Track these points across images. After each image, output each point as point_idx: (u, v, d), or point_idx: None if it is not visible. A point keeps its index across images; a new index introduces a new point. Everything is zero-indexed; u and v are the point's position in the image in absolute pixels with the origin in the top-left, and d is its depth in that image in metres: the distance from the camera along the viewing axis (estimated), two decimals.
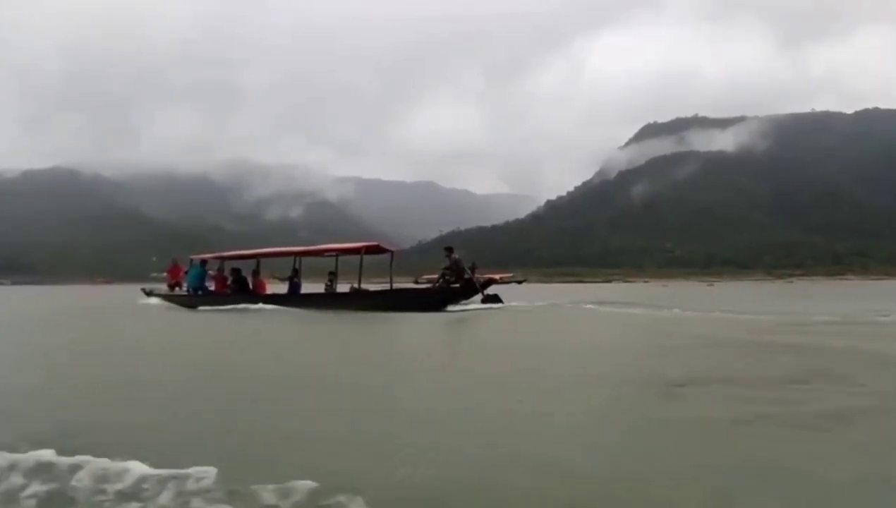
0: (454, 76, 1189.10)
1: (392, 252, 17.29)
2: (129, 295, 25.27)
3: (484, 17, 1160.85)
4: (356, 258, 16.84)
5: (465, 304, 15.02)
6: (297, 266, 17.83)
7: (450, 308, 14.43)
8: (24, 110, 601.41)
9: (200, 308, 16.98)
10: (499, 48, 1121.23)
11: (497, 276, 18.85)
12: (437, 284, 15.50)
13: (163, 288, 22.26)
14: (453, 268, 15.08)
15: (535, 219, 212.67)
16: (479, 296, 15.31)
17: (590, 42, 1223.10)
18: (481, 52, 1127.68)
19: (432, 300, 14.63)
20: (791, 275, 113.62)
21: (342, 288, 16.94)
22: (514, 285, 25.52)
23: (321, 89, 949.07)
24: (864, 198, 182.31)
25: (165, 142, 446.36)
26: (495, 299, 15.16)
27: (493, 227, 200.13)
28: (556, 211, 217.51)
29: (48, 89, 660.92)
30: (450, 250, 15.74)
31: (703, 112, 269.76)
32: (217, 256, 20.11)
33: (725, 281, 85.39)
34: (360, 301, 15.35)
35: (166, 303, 19.01)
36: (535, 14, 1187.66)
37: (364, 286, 16.45)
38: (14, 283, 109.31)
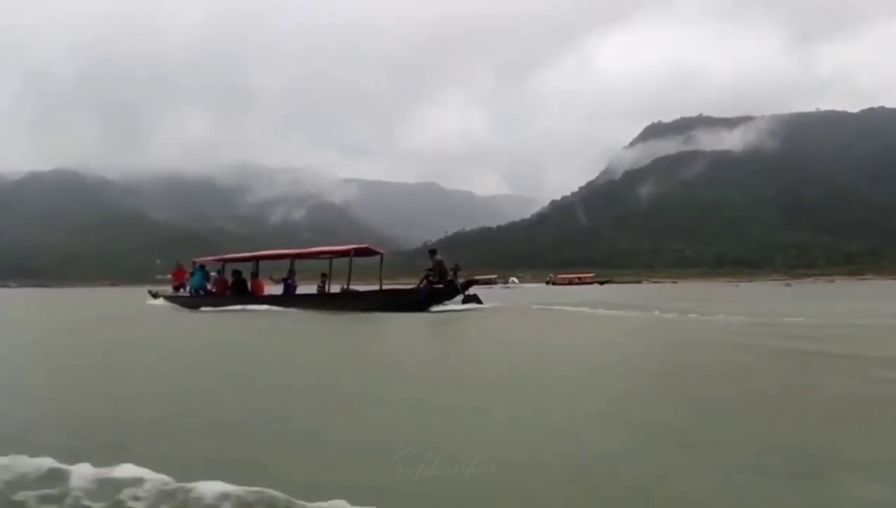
0: (454, 79, 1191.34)
1: (381, 254, 18.03)
2: (137, 297, 26.35)
3: (489, 17, 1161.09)
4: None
5: (447, 304, 15.80)
6: (292, 268, 18.76)
7: (433, 308, 15.20)
8: (29, 112, 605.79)
9: (202, 309, 17.85)
10: (502, 50, 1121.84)
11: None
12: (422, 285, 16.31)
13: (167, 289, 23.48)
14: (437, 270, 15.88)
15: (542, 219, 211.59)
16: (460, 297, 16.11)
17: (597, 40, 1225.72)
18: (484, 54, 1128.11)
19: (417, 300, 15.39)
20: (807, 275, 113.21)
21: (334, 289, 17.83)
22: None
23: (327, 91, 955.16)
24: (873, 196, 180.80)
25: (171, 145, 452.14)
26: (475, 299, 16.08)
27: (499, 228, 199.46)
28: (562, 211, 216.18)
29: (54, 92, 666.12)
30: (433, 252, 16.55)
31: (708, 111, 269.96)
32: (217, 258, 21.00)
33: (801, 281, 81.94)
34: (350, 301, 16.14)
35: (171, 304, 20.06)
36: (541, 13, 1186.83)
37: (354, 287, 17.31)
38: (20, 286, 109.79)
